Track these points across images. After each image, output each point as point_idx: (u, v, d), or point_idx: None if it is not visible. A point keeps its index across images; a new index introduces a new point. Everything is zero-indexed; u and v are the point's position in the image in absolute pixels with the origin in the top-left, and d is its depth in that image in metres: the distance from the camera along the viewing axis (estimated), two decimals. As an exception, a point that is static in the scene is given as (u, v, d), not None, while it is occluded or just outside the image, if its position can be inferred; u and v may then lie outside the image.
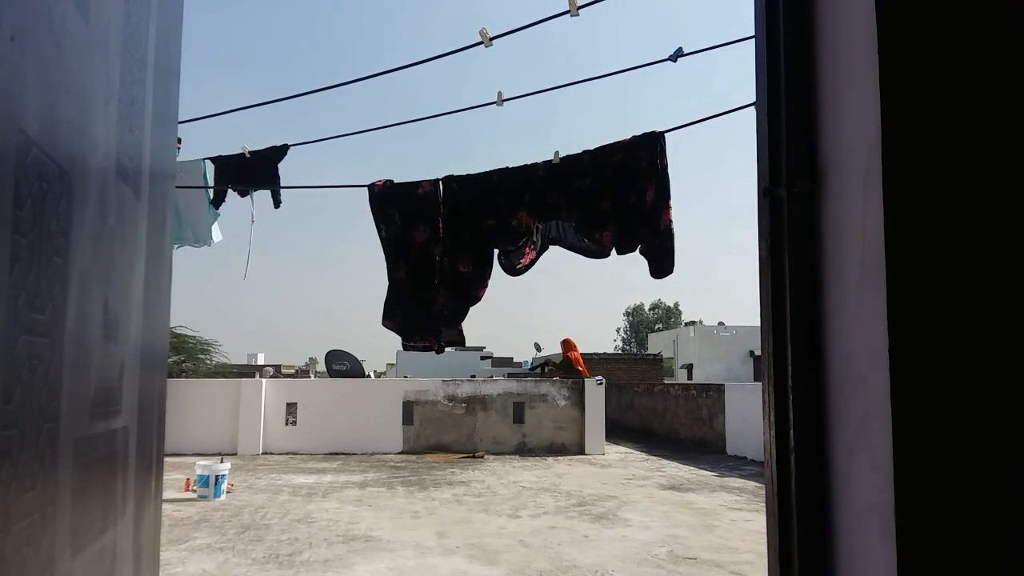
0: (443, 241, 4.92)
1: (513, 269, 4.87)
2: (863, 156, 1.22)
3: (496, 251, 4.89)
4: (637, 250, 4.60)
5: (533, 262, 4.89)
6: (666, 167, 4.53)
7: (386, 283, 5.10)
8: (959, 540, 1.09)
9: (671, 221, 4.49)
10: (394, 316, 5.04)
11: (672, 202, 4.53)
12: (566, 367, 15.17)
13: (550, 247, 4.92)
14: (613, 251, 4.65)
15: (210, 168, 6.19)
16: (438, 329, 4.98)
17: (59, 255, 1.16)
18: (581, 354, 16.23)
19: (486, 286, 4.93)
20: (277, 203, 6.18)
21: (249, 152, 5.93)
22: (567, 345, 15.71)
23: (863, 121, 1.22)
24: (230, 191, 6.23)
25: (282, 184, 6.06)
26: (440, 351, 5.08)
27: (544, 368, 16.76)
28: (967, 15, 1.17)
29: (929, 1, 1.18)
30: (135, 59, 1.58)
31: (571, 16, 4.35)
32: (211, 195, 6.26)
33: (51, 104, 1.11)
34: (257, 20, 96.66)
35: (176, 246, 6.45)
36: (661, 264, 4.50)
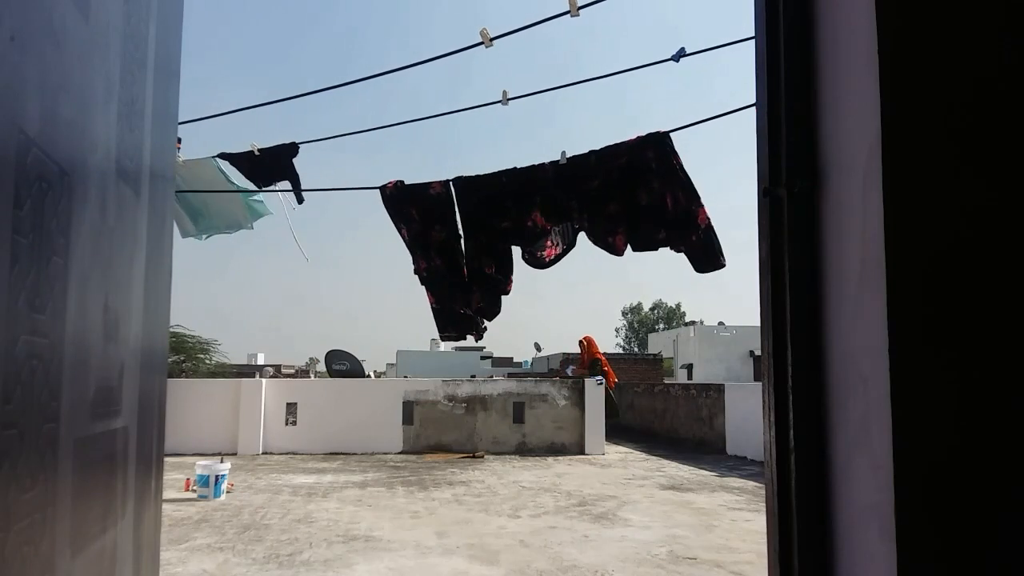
0: (465, 241, 5.02)
1: (537, 262, 4.96)
2: (863, 156, 1.22)
3: (519, 249, 4.99)
4: (674, 250, 4.60)
5: (559, 256, 4.96)
6: (682, 166, 4.53)
7: (415, 282, 5.30)
8: (959, 540, 1.09)
9: (709, 219, 4.51)
10: (446, 323, 5.28)
11: (703, 200, 4.56)
12: (593, 368, 14.76)
13: (578, 237, 4.97)
14: (628, 249, 4.69)
15: (222, 164, 6.23)
16: (479, 322, 5.22)
17: (59, 255, 1.16)
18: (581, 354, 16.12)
19: (512, 279, 5.08)
20: (300, 199, 6.17)
21: (259, 150, 5.93)
22: (590, 344, 15.39)
23: (863, 121, 1.22)
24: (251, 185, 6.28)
25: (300, 181, 6.09)
26: (479, 338, 5.45)
27: (570, 368, 16.23)
28: (967, 15, 1.17)
29: (929, 1, 1.18)
30: (135, 59, 1.58)
31: (571, 16, 4.35)
32: (242, 186, 6.33)
33: (51, 104, 1.11)
34: (263, 23, 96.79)
35: (204, 236, 6.66)
36: (707, 261, 4.53)
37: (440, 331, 5.34)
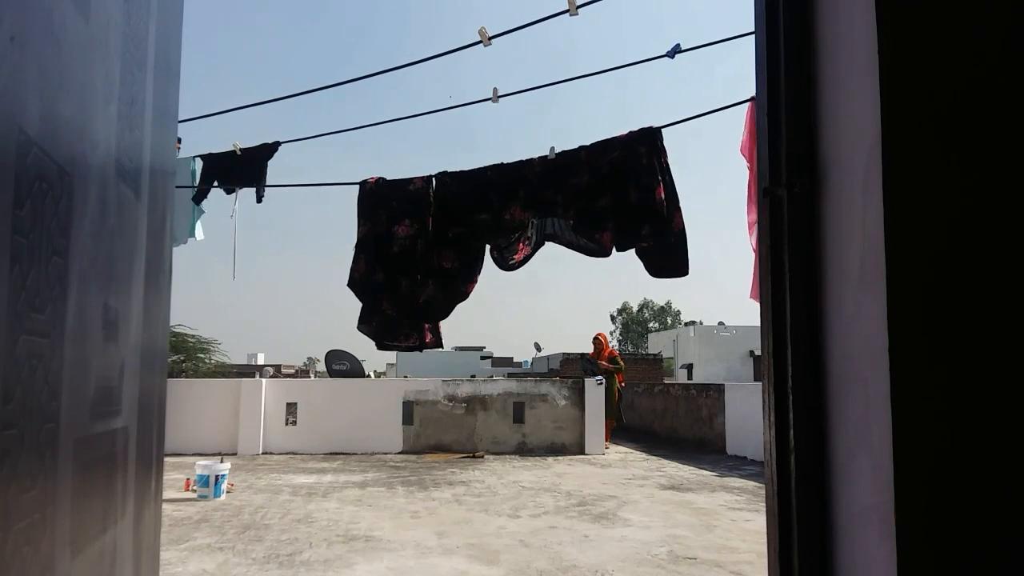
0: (430, 235, 4.87)
1: (505, 264, 4.84)
2: (863, 156, 1.22)
3: (488, 246, 4.86)
4: (635, 249, 4.57)
5: (527, 258, 4.86)
6: (668, 165, 4.51)
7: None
8: (958, 540, 1.09)
9: (683, 224, 4.48)
10: (371, 319, 5.00)
11: (681, 204, 4.54)
12: (606, 370, 14.38)
13: (546, 243, 4.90)
14: (614, 249, 4.63)
15: (199, 165, 6.21)
16: (421, 324, 4.94)
17: (59, 255, 1.16)
18: (582, 354, 15.98)
19: (476, 281, 4.88)
20: (260, 198, 6.16)
21: (240, 149, 5.95)
22: (604, 342, 15.08)
23: (863, 121, 1.22)
24: (215, 188, 6.25)
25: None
26: (420, 349, 5.07)
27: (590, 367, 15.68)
28: (966, 16, 1.17)
29: (928, 2, 1.18)
30: (135, 59, 1.58)
31: (570, 15, 4.35)
32: (193, 192, 6.28)
33: (51, 104, 1.11)
34: (264, 25, 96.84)
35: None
36: (671, 266, 4.50)
37: (378, 341, 4.99)
